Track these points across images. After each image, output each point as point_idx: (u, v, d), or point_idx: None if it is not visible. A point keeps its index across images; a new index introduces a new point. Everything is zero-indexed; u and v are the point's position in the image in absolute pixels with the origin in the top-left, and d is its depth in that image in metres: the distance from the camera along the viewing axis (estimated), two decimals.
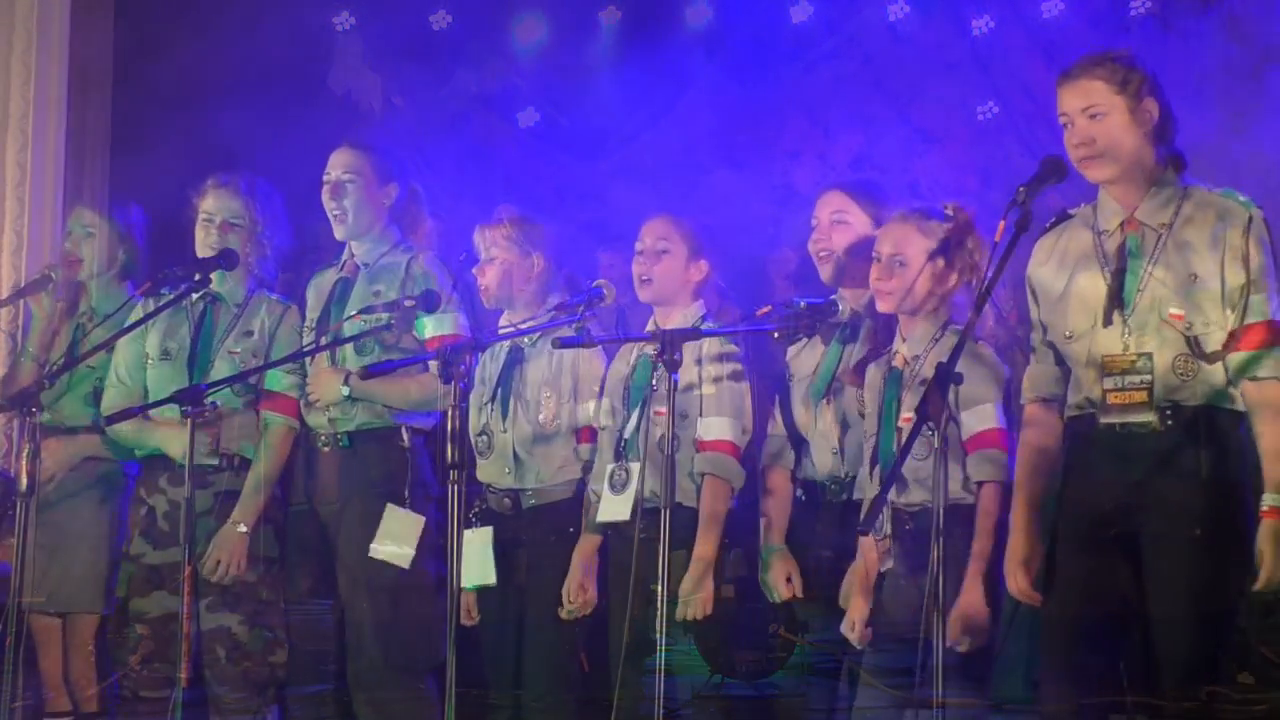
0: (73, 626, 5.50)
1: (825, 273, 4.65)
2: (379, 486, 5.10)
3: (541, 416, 4.96)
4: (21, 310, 6.06)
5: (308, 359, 5.21)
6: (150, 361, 5.34)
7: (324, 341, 5.16)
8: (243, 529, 5.12)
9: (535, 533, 4.96)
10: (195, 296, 5.33)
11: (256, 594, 5.18)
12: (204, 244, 5.28)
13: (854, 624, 4.36)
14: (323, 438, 5.19)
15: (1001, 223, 3.86)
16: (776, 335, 4.57)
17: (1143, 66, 3.97)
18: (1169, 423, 3.89)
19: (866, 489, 4.37)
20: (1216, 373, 3.90)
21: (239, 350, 5.24)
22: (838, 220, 4.64)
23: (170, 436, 5.18)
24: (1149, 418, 3.90)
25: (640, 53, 6.35)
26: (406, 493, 5.05)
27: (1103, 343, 3.96)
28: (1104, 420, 3.95)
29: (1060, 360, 4.06)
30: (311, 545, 5.28)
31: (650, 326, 4.84)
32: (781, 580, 4.57)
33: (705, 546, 4.64)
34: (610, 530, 4.81)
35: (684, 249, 4.80)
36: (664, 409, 4.44)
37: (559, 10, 6.71)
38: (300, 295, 5.39)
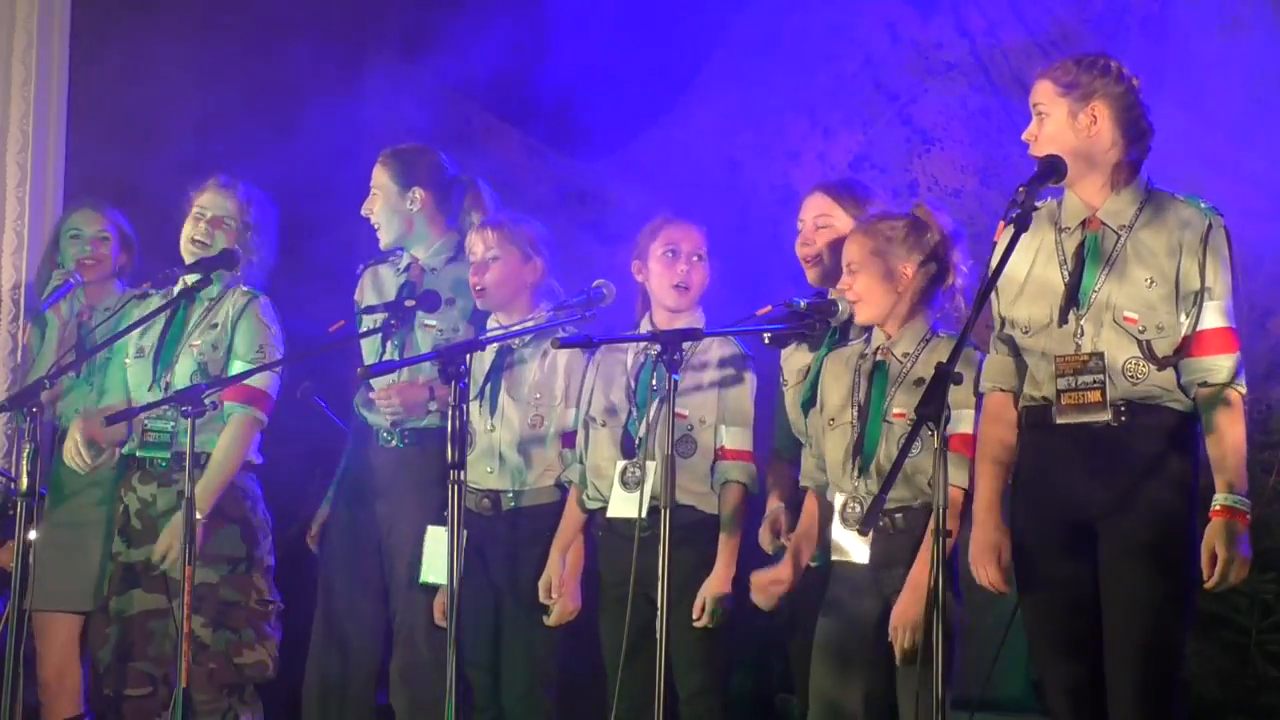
0: (94, 627, 5.44)
1: (812, 276, 4.67)
2: (439, 485, 5.10)
3: (532, 418, 4.98)
4: (22, 310, 6.06)
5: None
6: (129, 360, 5.36)
7: (391, 345, 5.18)
8: (195, 518, 5.08)
9: (514, 535, 4.97)
10: (175, 293, 5.35)
11: (218, 595, 5.15)
12: (188, 237, 5.33)
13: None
14: (384, 435, 5.21)
15: (1001, 223, 3.88)
16: (767, 340, 4.59)
17: (1105, 71, 4.03)
18: (1122, 420, 3.94)
19: (841, 481, 4.36)
20: (1167, 376, 3.96)
21: (199, 343, 5.25)
22: (822, 225, 4.64)
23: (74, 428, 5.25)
24: (1104, 417, 3.95)
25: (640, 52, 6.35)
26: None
27: (1058, 340, 4.01)
28: (1059, 420, 3.99)
29: (1017, 353, 4.11)
30: (362, 546, 5.28)
31: (645, 327, 4.85)
32: None
33: (732, 555, 4.67)
34: (606, 529, 4.81)
35: (708, 260, 4.86)
36: (681, 410, 4.56)
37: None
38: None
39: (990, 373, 4.16)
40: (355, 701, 5.29)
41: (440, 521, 4.83)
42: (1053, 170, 3.95)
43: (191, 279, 5.28)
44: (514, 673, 4.95)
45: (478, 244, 5.07)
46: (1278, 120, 5.69)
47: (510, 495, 5.00)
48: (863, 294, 4.34)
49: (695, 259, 4.83)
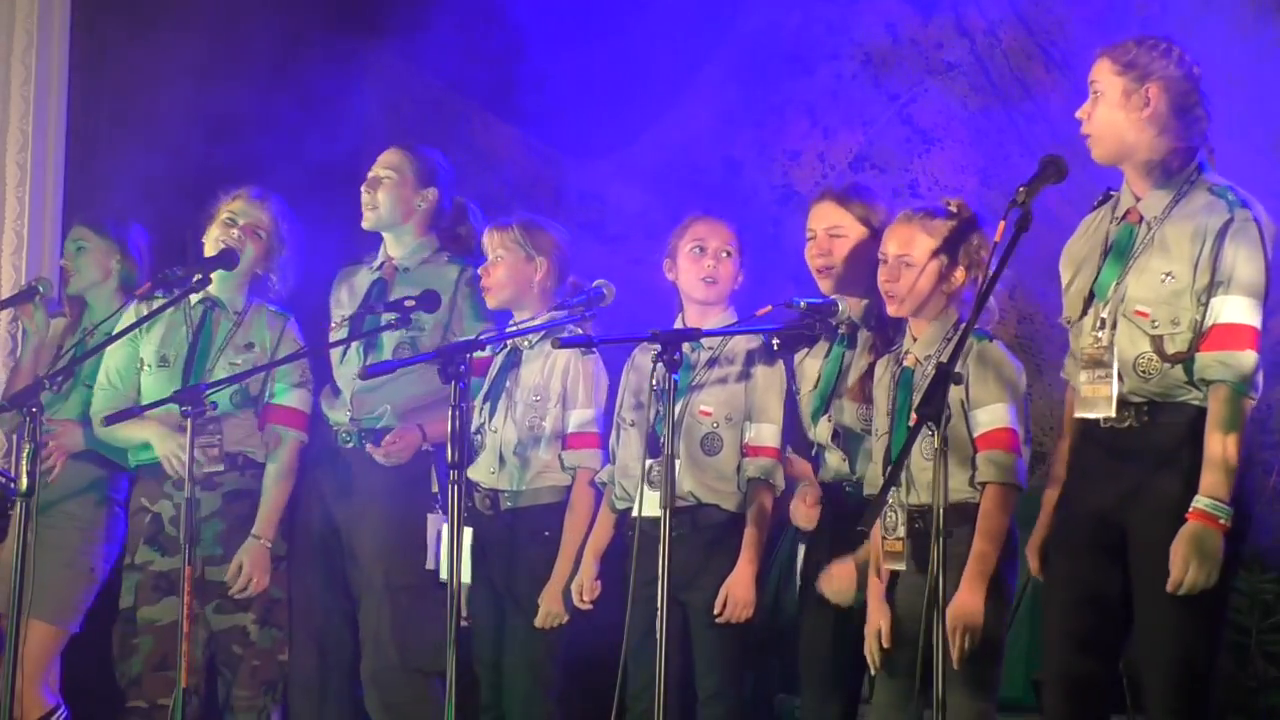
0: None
1: (825, 287, 4.64)
2: (401, 487, 5.11)
3: (529, 420, 4.98)
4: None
5: (337, 357, 5.29)
6: (146, 368, 5.34)
7: (356, 349, 5.19)
8: (266, 544, 5.16)
9: (512, 536, 4.98)
10: (195, 300, 5.34)
11: (268, 593, 5.20)
12: (217, 242, 5.29)
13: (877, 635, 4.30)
14: (344, 435, 5.22)
15: (1002, 223, 3.87)
16: (776, 344, 4.59)
17: (1166, 54, 3.95)
18: (1145, 419, 3.89)
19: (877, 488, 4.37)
20: (1179, 373, 3.88)
21: (239, 362, 5.26)
22: (835, 235, 4.62)
23: (161, 434, 5.18)
24: (1108, 413, 3.89)
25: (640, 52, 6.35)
26: (438, 495, 5.09)
27: (1083, 335, 3.98)
28: (1077, 413, 3.97)
29: None
30: (324, 543, 5.29)
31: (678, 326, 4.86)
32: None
33: (756, 551, 4.67)
34: (633, 529, 4.81)
35: (739, 255, 4.84)
36: (706, 408, 4.62)
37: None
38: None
39: (1067, 366, 4.11)
40: (336, 698, 5.31)
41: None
42: (1054, 169, 3.92)
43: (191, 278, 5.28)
44: (514, 675, 4.96)
45: (487, 246, 5.12)
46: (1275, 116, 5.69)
47: (508, 495, 5.01)
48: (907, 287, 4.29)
49: (724, 254, 4.82)
